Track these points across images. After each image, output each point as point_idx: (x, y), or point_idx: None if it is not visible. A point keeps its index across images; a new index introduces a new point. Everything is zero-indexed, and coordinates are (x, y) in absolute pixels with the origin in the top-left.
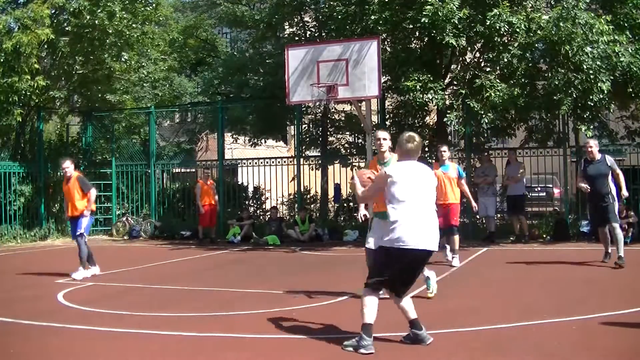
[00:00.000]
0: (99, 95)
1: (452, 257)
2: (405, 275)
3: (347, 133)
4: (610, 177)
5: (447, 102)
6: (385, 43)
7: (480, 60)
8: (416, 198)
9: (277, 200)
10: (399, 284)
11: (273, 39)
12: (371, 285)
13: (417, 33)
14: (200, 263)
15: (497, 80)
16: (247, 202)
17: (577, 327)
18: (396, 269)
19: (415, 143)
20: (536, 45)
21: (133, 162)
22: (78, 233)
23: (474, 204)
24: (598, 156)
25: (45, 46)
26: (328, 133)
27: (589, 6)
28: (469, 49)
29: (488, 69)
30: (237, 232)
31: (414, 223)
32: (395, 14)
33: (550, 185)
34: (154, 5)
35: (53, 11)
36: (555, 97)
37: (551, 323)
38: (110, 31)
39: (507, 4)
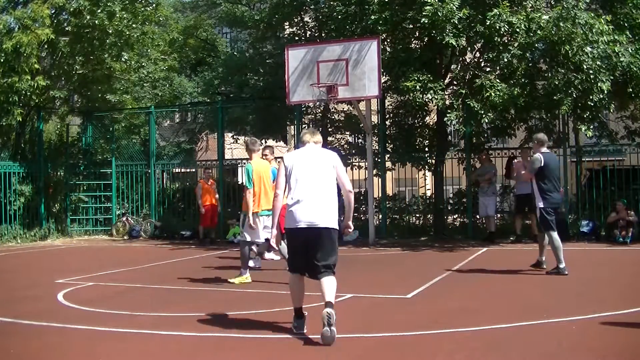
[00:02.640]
0: (99, 95)
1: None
2: (300, 256)
3: (347, 133)
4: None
5: (447, 102)
6: (385, 43)
7: (480, 60)
8: (300, 179)
9: None
10: (300, 265)
11: (273, 39)
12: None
13: (417, 33)
14: (200, 263)
15: (497, 80)
16: None
17: (577, 327)
18: (294, 249)
19: (310, 130)
20: (536, 45)
21: (133, 162)
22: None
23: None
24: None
25: (45, 46)
26: (328, 133)
27: (589, 6)
28: (469, 49)
29: (488, 69)
30: (237, 232)
31: (297, 203)
32: (395, 14)
33: None
34: (154, 5)
35: (53, 11)
36: (555, 97)
37: (551, 323)
38: (110, 31)
39: (507, 4)
